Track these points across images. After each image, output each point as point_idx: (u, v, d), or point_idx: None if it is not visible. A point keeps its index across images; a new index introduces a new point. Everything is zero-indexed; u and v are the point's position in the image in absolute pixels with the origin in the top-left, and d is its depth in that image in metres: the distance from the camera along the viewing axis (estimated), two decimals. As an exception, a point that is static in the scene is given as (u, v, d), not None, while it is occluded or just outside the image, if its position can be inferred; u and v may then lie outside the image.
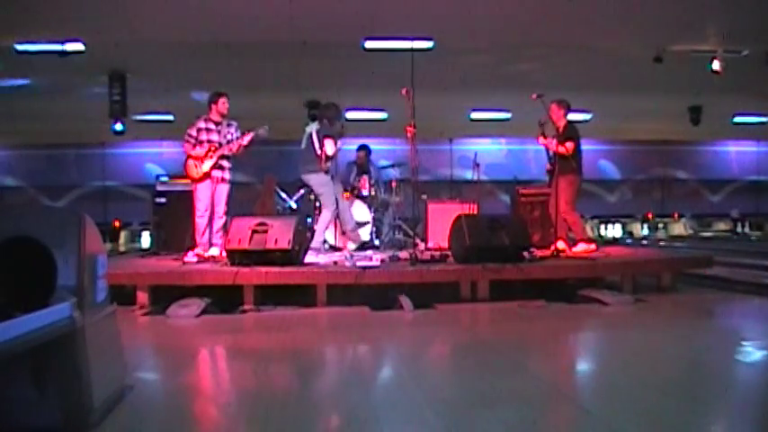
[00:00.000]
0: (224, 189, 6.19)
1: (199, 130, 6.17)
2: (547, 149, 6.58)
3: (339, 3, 7.93)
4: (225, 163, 6.19)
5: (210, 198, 6.14)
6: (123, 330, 2.72)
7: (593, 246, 6.41)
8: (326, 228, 6.67)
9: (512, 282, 5.38)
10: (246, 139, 6.13)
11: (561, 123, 6.43)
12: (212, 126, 6.18)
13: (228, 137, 6.16)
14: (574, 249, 6.27)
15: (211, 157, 6.09)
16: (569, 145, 6.28)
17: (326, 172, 6.44)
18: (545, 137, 6.47)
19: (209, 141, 6.14)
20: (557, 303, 5.15)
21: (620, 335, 4.30)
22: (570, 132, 6.38)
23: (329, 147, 6.36)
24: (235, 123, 6.27)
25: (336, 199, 6.56)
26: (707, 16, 8.48)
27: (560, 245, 6.22)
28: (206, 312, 4.85)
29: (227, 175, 6.21)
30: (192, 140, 6.15)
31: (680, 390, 2.82)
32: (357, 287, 5.18)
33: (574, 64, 10.13)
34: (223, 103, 6.18)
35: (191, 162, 6.14)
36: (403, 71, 7.97)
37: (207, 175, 6.11)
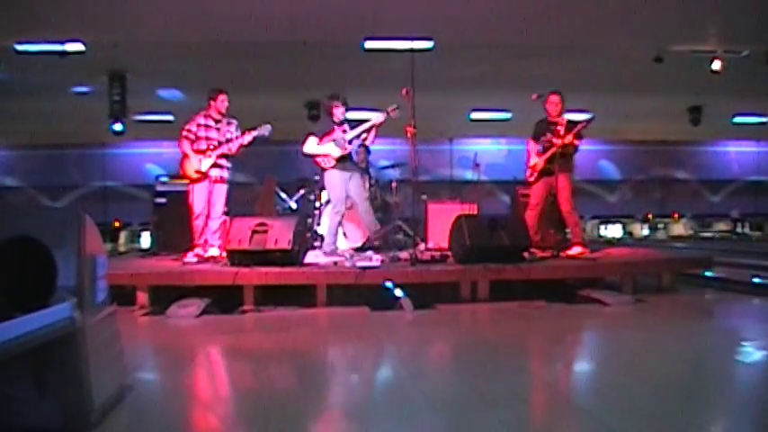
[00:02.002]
0: (222, 189, 6.08)
1: (198, 125, 6.05)
2: (544, 147, 6.30)
3: (339, 3, 7.92)
4: (223, 162, 6.07)
5: (207, 198, 6.03)
6: (123, 330, 2.72)
7: (587, 250, 6.34)
8: (335, 229, 6.45)
9: (512, 282, 5.38)
10: (247, 139, 6.02)
11: (563, 119, 6.24)
12: (212, 123, 6.06)
13: (228, 135, 6.04)
14: (569, 252, 6.16)
15: (209, 156, 5.99)
16: (577, 141, 6.15)
17: (336, 167, 6.23)
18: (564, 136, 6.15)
19: (207, 139, 6.02)
20: (557, 303, 5.15)
21: (620, 335, 4.30)
22: (575, 126, 6.19)
23: (306, 145, 6.28)
24: (235, 122, 6.14)
25: (347, 200, 6.32)
26: (707, 16, 8.48)
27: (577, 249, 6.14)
28: (206, 313, 4.85)
29: (225, 175, 6.09)
30: (192, 136, 6.02)
31: (680, 390, 2.82)
32: (357, 287, 5.18)
33: (574, 64, 10.13)
34: (222, 101, 6.04)
35: (187, 161, 6.02)
36: (403, 71, 7.97)
37: (204, 175, 6.00)
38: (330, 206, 6.53)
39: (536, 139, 6.43)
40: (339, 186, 6.28)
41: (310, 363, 3.58)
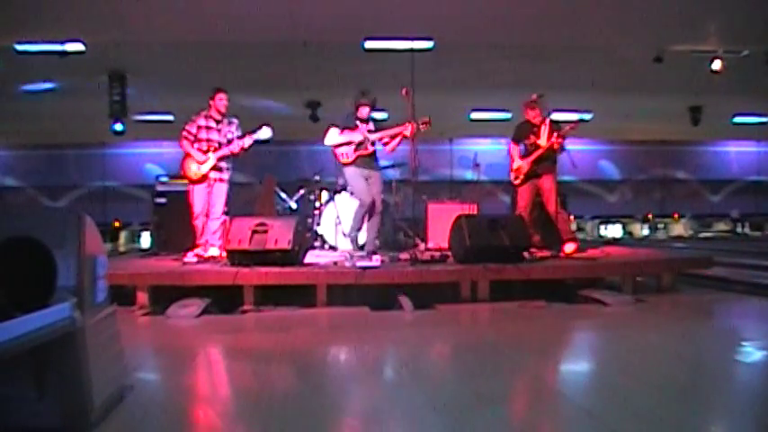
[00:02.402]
0: (221, 189, 6.07)
1: (199, 127, 6.03)
2: (528, 150, 6.35)
3: (339, 3, 7.93)
4: (223, 163, 6.05)
5: (206, 199, 6.04)
6: (123, 330, 2.72)
7: (576, 244, 6.37)
8: (360, 220, 6.11)
9: (512, 282, 5.38)
10: (247, 142, 5.99)
11: (546, 120, 6.26)
12: (213, 124, 6.04)
13: (229, 135, 6.02)
14: (565, 250, 6.19)
15: (209, 157, 5.97)
16: (560, 138, 6.18)
17: (351, 164, 5.97)
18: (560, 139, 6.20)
19: (208, 141, 6.00)
20: (557, 303, 5.15)
21: (620, 335, 4.29)
22: (559, 127, 6.25)
23: (328, 136, 6.02)
24: (236, 121, 6.11)
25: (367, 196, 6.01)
26: (707, 16, 8.49)
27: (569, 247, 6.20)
28: (206, 313, 4.85)
29: (224, 176, 6.09)
30: (191, 137, 6.01)
31: (680, 390, 2.82)
32: (357, 287, 5.18)
33: (574, 64, 10.14)
34: (220, 100, 6.00)
35: (189, 161, 6.01)
36: (403, 71, 7.97)
37: (204, 177, 6.00)
38: (358, 200, 6.17)
39: (517, 141, 6.47)
40: (358, 180, 6.02)
41: (310, 363, 3.58)
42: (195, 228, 6.11)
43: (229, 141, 6.02)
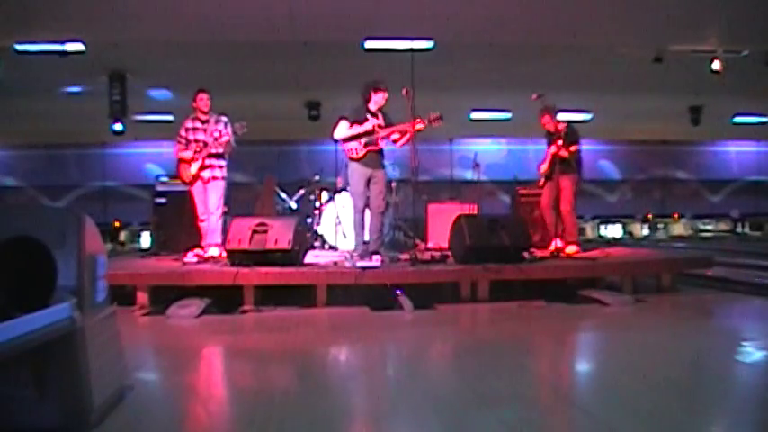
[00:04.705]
0: (215, 187, 6.08)
1: (187, 129, 6.13)
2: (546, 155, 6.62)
3: (339, 3, 7.93)
4: (215, 161, 6.08)
5: (204, 200, 6.08)
6: (123, 330, 2.72)
7: (579, 248, 6.46)
8: (360, 228, 5.80)
9: (512, 282, 5.38)
10: (224, 139, 6.01)
11: (561, 127, 6.40)
12: (198, 125, 6.11)
13: (216, 134, 6.04)
14: (566, 250, 6.24)
15: (197, 158, 6.03)
16: (573, 148, 6.38)
17: (358, 160, 5.69)
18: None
19: (195, 141, 6.07)
20: (557, 303, 5.16)
21: (620, 335, 4.30)
22: (575, 135, 6.45)
23: (337, 129, 5.76)
24: (224, 119, 6.12)
25: (366, 196, 5.70)
26: (707, 16, 8.48)
27: (559, 243, 6.23)
28: (206, 312, 4.85)
29: (218, 174, 6.10)
30: (183, 141, 6.12)
31: (680, 390, 2.82)
32: (357, 287, 5.18)
33: (574, 64, 10.13)
34: (201, 99, 6.07)
35: (181, 166, 6.13)
36: (403, 71, 7.95)
37: (197, 177, 6.06)
38: (353, 203, 5.89)
39: (548, 146, 6.68)
40: (358, 181, 5.74)
41: (310, 363, 3.58)
42: (200, 229, 6.17)
43: (216, 139, 6.04)
